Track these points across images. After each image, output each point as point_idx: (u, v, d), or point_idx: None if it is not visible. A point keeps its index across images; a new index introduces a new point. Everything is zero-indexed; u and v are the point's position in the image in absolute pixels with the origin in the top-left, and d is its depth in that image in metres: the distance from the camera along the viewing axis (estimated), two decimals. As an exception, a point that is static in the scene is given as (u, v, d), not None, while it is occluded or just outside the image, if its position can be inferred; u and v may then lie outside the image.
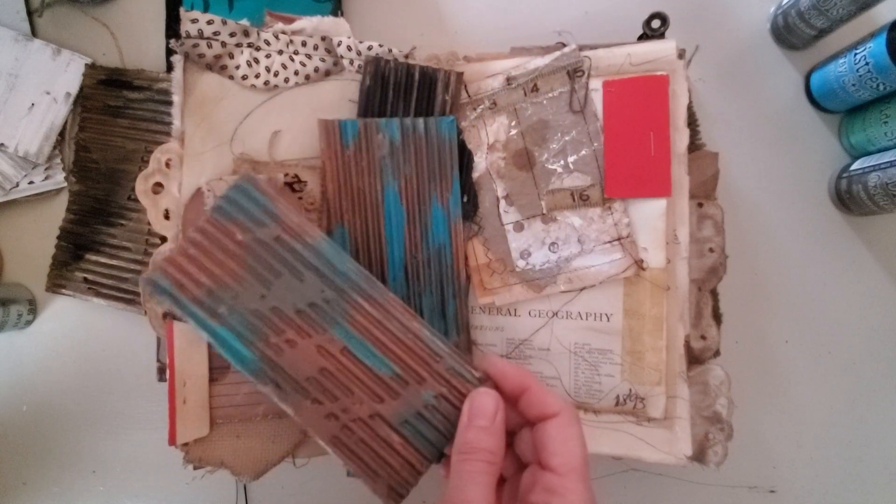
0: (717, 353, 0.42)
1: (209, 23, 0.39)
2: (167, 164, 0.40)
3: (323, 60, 0.41)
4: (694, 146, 0.44)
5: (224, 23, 0.39)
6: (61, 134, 0.46)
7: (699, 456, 0.40)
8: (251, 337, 0.33)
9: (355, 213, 0.39)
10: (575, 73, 0.40)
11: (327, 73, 0.41)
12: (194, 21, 0.39)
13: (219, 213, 0.34)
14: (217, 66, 0.40)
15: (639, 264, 0.39)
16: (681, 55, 0.40)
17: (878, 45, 0.40)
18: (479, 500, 0.27)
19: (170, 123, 0.40)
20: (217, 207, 0.34)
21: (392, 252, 0.39)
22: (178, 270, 0.33)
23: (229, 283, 0.33)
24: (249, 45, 0.40)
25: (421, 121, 0.39)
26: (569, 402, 0.30)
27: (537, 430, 0.30)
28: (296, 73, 0.40)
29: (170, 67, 0.43)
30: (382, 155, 0.39)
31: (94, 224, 0.45)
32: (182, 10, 0.39)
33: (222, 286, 0.33)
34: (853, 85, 0.43)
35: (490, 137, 0.41)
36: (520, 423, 0.32)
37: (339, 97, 0.41)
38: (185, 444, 0.38)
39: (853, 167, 0.45)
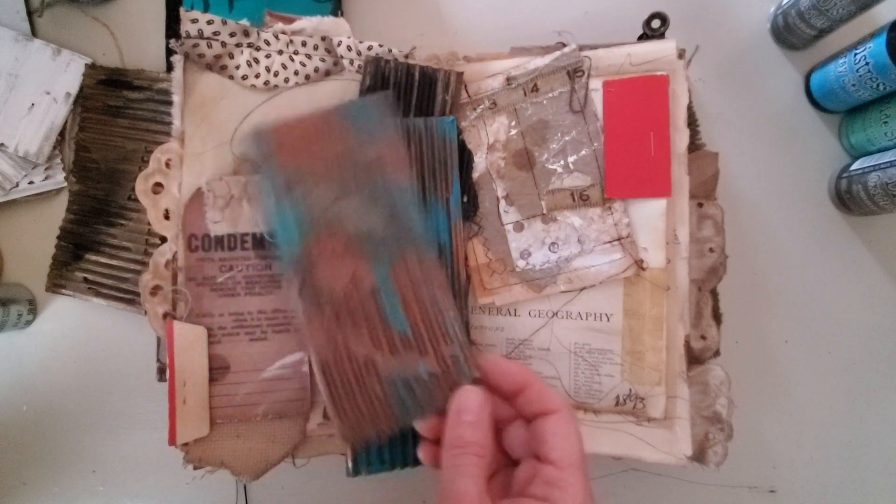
0: (717, 353, 0.42)
1: (209, 23, 0.39)
2: (167, 164, 0.40)
3: (323, 60, 0.41)
4: (694, 146, 0.44)
5: (224, 23, 0.39)
6: (61, 134, 0.46)
7: (699, 456, 0.40)
8: (307, 229, 0.33)
9: None
10: (575, 73, 0.40)
11: (327, 73, 0.41)
12: (194, 21, 0.39)
13: (343, 111, 0.35)
14: (217, 66, 0.40)
15: (639, 264, 0.39)
16: (681, 55, 0.40)
17: (878, 45, 0.40)
18: (472, 491, 0.28)
19: (170, 123, 0.40)
20: (344, 106, 0.35)
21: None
22: (285, 135, 0.34)
23: (316, 172, 0.34)
24: (249, 45, 0.40)
25: (421, 121, 0.39)
26: (567, 400, 0.31)
27: (536, 426, 0.30)
28: (296, 73, 0.40)
29: (170, 67, 0.43)
30: None
31: (94, 224, 0.45)
32: (182, 10, 0.39)
33: (309, 172, 0.34)
34: (853, 85, 0.43)
35: (490, 137, 0.41)
36: (511, 418, 0.33)
37: (339, 97, 0.41)
38: (185, 444, 0.38)
39: (853, 167, 0.45)
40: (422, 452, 0.34)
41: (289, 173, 0.34)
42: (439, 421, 0.33)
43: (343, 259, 0.33)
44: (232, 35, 0.40)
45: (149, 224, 0.41)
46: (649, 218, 0.39)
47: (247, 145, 0.35)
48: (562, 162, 0.40)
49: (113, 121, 0.45)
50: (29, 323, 0.46)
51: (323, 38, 0.41)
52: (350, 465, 0.38)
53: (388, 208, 0.34)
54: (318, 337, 0.33)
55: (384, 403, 0.33)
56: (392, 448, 0.38)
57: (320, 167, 0.34)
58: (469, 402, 0.31)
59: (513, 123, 0.41)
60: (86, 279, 0.44)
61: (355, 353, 0.33)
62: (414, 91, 0.40)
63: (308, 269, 0.33)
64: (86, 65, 0.46)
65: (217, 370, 0.39)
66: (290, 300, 0.33)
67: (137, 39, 0.47)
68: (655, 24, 0.40)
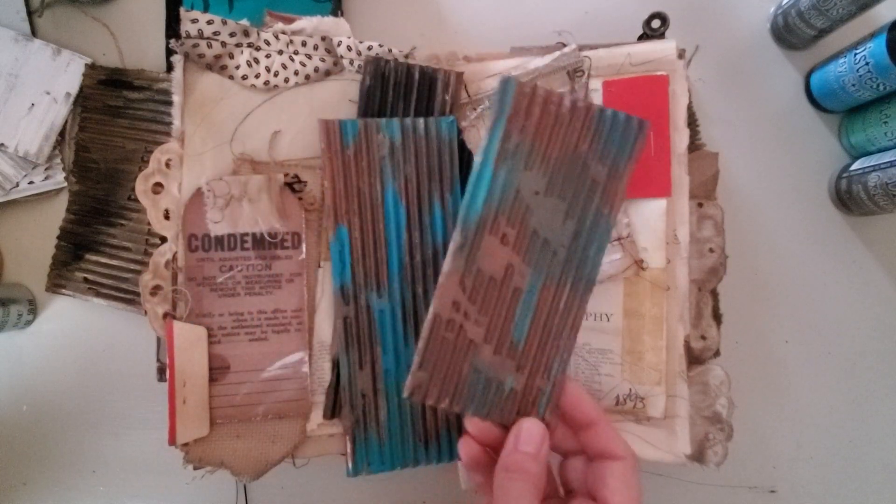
0: (717, 353, 0.42)
1: (209, 23, 0.39)
2: (167, 164, 0.40)
3: (323, 60, 0.41)
4: (694, 146, 0.44)
5: (224, 23, 0.39)
6: (61, 134, 0.46)
7: (699, 456, 0.40)
8: (497, 201, 0.32)
9: (355, 213, 0.39)
10: (575, 73, 0.40)
11: (327, 73, 0.41)
12: (194, 21, 0.39)
13: (600, 116, 0.33)
14: (217, 66, 0.40)
15: (639, 264, 0.39)
16: (681, 55, 0.40)
17: (878, 45, 0.40)
18: None
19: (170, 123, 0.40)
20: (603, 112, 0.33)
21: (391, 253, 0.39)
22: (532, 102, 0.32)
23: (542, 157, 0.33)
24: (249, 45, 0.40)
25: (421, 121, 0.39)
26: (632, 450, 0.31)
27: (599, 467, 0.31)
28: (296, 73, 0.40)
29: (170, 67, 0.43)
30: (382, 155, 0.39)
31: (94, 224, 0.45)
32: (182, 10, 0.39)
33: (537, 152, 0.33)
34: (853, 85, 0.43)
35: (490, 137, 0.41)
36: (572, 451, 0.34)
37: (339, 97, 0.41)
38: (185, 445, 0.38)
39: (853, 167, 0.45)
40: (462, 446, 0.34)
41: (512, 141, 0.32)
42: (492, 429, 0.33)
43: (508, 248, 0.33)
44: (232, 35, 0.40)
45: (149, 224, 0.41)
46: (649, 218, 0.39)
47: (498, 89, 0.33)
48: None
49: (113, 121, 0.45)
50: (29, 323, 0.46)
51: (323, 38, 0.41)
52: (350, 465, 0.38)
53: (577, 231, 0.33)
54: (448, 295, 0.32)
55: (460, 382, 0.33)
56: (392, 448, 0.38)
57: (549, 155, 0.33)
58: (533, 435, 0.32)
59: (513, 123, 0.41)
60: (86, 279, 0.44)
61: (467, 329, 0.33)
62: (414, 91, 0.40)
63: (476, 236, 0.32)
64: (86, 65, 0.46)
65: (217, 370, 0.39)
66: (448, 255, 0.33)
67: (137, 39, 0.47)
68: (655, 24, 0.40)
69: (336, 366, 0.39)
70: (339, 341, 0.38)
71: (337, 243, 0.38)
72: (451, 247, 0.33)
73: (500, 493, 0.30)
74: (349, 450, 0.38)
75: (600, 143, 0.33)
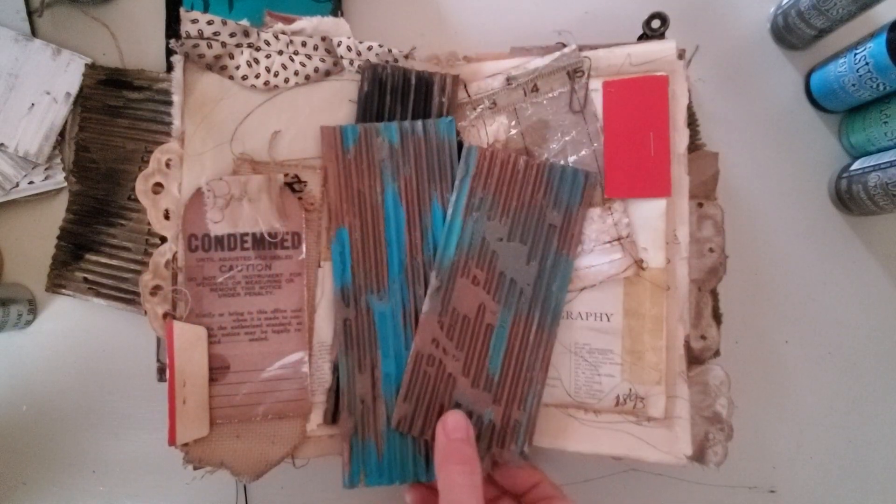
0: (717, 353, 0.42)
1: (209, 23, 0.39)
2: (167, 164, 0.40)
3: (323, 61, 0.41)
4: (694, 146, 0.44)
5: (224, 23, 0.39)
6: (61, 134, 0.46)
7: (699, 456, 0.40)
8: (466, 248, 0.38)
9: (356, 215, 0.39)
10: (575, 73, 0.40)
11: (327, 74, 0.41)
12: (194, 21, 0.39)
13: (552, 171, 0.39)
14: (217, 66, 0.40)
15: (639, 264, 0.39)
16: (681, 55, 0.40)
17: (878, 45, 0.40)
18: (469, 495, 0.31)
19: (170, 123, 0.40)
20: (555, 167, 0.39)
21: (392, 253, 0.39)
22: (492, 162, 0.39)
23: (503, 208, 0.38)
24: (249, 46, 0.40)
25: (420, 123, 0.39)
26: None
27: None
28: (296, 73, 0.40)
29: (170, 67, 0.43)
30: (382, 158, 0.39)
31: (94, 224, 0.45)
32: (182, 11, 0.39)
33: (492, 205, 0.38)
34: (853, 85, 0.43)
35: (490, 137, 0.41)
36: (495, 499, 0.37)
37: (339, 97, 0.41)
38: (185, 445, 0.38)
39: (853, 167, 0.45)
40: (409, 493, 0.38)
41: (483, 195, 0.38)
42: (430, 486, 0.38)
43: (479, 289, 0.37)
44: (232, 35, 0.40)
45: (149, 224, 0.41)
46: (649, 218, 0.39)
47: (463, 154, 0.39)
48: (562, 162, 0.40)
49: (113, 121, 0.45)
50: (29, 323, 0.46)
51: (323, 39, 0.41)
52: (346, 475, 0.37)
53: (540, 271, 0.38)
54: (428, 332, 0.37)
55: (441, 413, 0.36)
56: (391, 460, 0.38)
57: (509, 206, 0.38)
58: (459, 422, 0.34)
59: (513, 123, 0.41)
60: (86, 279, 0.44)
61: (446, 365, 0.37)
62: (411, 95, 0.40)
63: (449, 280, 0.37)
64: (86, 65, 0.46)
65: (217, 370, 0.39)
66: (426, 297, 0.38)
67: (137, 39, 0.47)
68: (655, 24, 0.40)
69: (336, 369, 0.39)
70: (339, 344, 0.38)
71: (337, 245, 0.39)
72: (429, 290, 0.37)
73: (445, 485, 0.32)
74: (345, 458, 0.38)
75: (553, 193, 0.38)
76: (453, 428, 0.34)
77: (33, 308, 0.46)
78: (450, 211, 0.38)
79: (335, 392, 0.39)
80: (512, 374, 0.37)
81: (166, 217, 0.40)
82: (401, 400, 0.37)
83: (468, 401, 0.37)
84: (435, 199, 0.39)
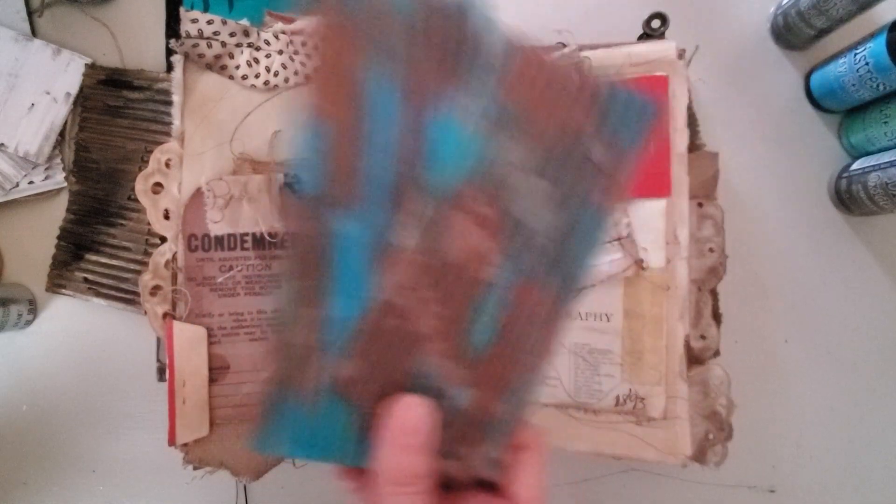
0: (716, 353, 0.42)
1: (209, 23, 0.39)
2: (167, 164, 0.40)
3: (323, 60, 0.41)
4: (694, 146, 0.44)
5: (224, 23, 0.39)
6: (61, 134, 0.46)
7: (699, 456, 0.40)
8: (476, 173, 0.26)
9: (331, 99, 0.25)
10: (575, 72, 0.40)
11: (327, 73, 0.41)
12: (194, 21, 0.39)
13: (604, 90, 0.27)
14: (217, 66, 0.40)
15: (638, 264, 0.39)
16: (681, 55, 0.40)
17: (878, 45, 0.40)
18: None
19: (170, 123, 0.40)
20: (610, 84, 0.27)
21: (373, 160, 0.25)
22: (527, 65, 0.27)
23: (532, 129, 0.26)
24: (249, 45, 0.40)
25: None
26: (542, 440, 0.27)
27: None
28: (296, 73, 0.40)
29: (170, 67, 0.43)
30: (377, 25, 0.25)
31: (94, 224, 0.45)
32: (182, 10, 0.39)
33: (526, 123, 0.26)
34: (853, 85, 0.43)
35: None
36: None
37: (339, 97, 0.41)
38: (185, 445, 0.38)
39: (853, 167, 0.45)
40: (344, 479, 0.29)
41: (509, 108, 0.26)
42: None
43: (482, 232, 0.26)
44: (232, 35, 0.40)
45: (149, 224, 0.41)
46: (649, 218, 0.39)
47: (492, 48, 0.27)
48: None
49: (113, 121, 0.45)
50: (29, 323, 0.46)
51: (323, 38, 0.41)
52: (256, 437, 0.25)
53: (571, 226, 0.27)
54: (402, 275, 0.25)
55: (397, 385, 0.26)
56: (318, 430, 0.26)
57: (545, 129, 0.26)
58: (421, 423, 0.24)
59: (513, 123, 0.41)
60: (86, 279, 0.44)
61: (418, 322, 0.25)
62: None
63: (444, 212, 0.25)
64: (86, 65, 0.46)
65: (217, 370, 0.39)
66: (407, 231, 0.25)
67: (137, 39, 0.47)
68: (655, 24, 0.40)
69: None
70: (286, 264, 0.26)
71: (307, 133, 0.25)
72: (415, 219, 0.25)
73: None
74: (261, 414, 0.26)
75: (606, 122, 0.27)
76: (411, 430, 0.23)
77: (33, 308, 0.46)
78: (462, 118, 0.25)
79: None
80: (504, 357, 0.26)
81: (166, 217, 0.40)
82: (349, 355, 0.25)
83: (436, 374, 0.26)
84: (450, 100, 0.25)
